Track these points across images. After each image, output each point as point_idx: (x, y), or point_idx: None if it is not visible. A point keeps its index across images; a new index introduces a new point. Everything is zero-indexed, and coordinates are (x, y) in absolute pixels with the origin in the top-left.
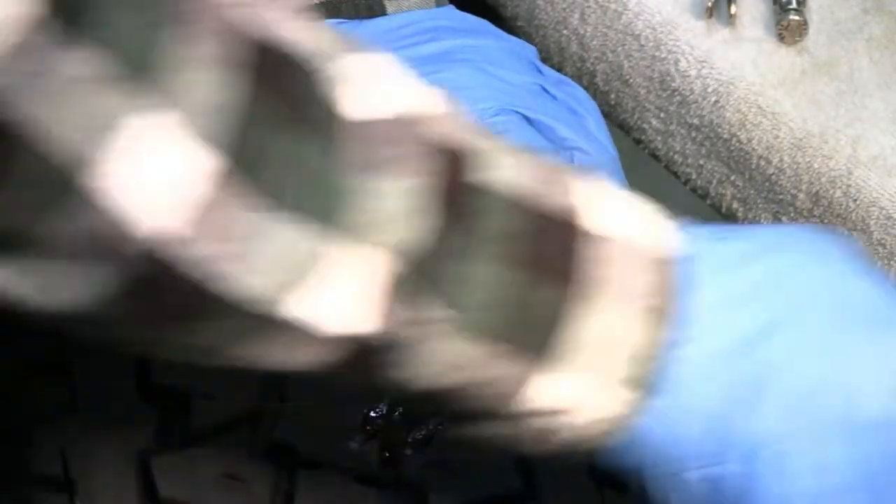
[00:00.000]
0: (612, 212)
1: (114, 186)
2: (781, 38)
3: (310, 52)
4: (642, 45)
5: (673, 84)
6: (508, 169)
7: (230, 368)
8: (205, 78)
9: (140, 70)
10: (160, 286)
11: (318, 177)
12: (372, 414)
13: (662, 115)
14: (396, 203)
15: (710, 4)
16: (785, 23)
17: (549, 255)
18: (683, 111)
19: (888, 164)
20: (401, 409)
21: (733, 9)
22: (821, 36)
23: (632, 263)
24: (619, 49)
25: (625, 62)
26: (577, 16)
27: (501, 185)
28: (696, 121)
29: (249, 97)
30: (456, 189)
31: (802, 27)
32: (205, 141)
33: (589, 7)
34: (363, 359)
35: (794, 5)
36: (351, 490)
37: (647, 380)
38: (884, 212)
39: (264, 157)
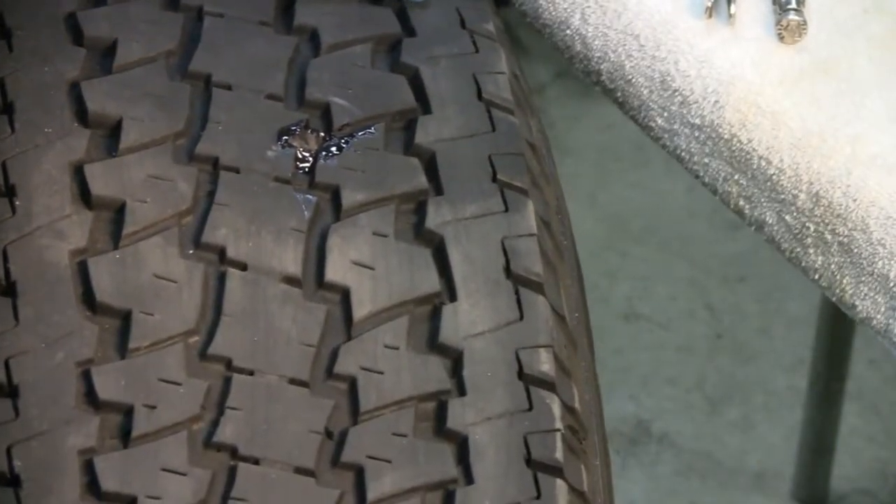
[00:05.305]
0: None
1: None
2: (781, 37)
3: None
4: (642, 45)
5: (673, 84)
6: None
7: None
8: None
9: None
10: None
11: None
12: (289, 129)
13: (665, 114)
14: None
15: (709, 4)
16: (785, 23)
17: None
18: (685, 111)
19: (888, 163)
20: (314, 128)
21: (733, 9)
22: (820, 35)
23: None
24: (620, 49)
25: (626, 62)
26: (577, 16)
27: None
28: (697, 120)
29: None
30: None
31: (802, 27)
32: None
33: (589, 7)
34: None
35: (793, 5)
36: (268, 188)
37: None
38: (884, 211)
39: None
